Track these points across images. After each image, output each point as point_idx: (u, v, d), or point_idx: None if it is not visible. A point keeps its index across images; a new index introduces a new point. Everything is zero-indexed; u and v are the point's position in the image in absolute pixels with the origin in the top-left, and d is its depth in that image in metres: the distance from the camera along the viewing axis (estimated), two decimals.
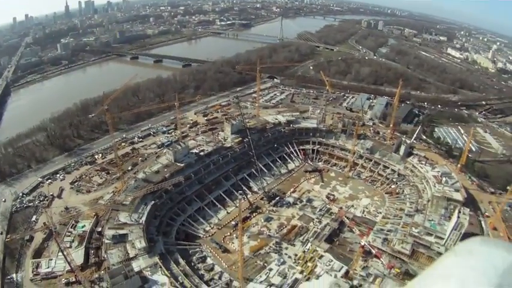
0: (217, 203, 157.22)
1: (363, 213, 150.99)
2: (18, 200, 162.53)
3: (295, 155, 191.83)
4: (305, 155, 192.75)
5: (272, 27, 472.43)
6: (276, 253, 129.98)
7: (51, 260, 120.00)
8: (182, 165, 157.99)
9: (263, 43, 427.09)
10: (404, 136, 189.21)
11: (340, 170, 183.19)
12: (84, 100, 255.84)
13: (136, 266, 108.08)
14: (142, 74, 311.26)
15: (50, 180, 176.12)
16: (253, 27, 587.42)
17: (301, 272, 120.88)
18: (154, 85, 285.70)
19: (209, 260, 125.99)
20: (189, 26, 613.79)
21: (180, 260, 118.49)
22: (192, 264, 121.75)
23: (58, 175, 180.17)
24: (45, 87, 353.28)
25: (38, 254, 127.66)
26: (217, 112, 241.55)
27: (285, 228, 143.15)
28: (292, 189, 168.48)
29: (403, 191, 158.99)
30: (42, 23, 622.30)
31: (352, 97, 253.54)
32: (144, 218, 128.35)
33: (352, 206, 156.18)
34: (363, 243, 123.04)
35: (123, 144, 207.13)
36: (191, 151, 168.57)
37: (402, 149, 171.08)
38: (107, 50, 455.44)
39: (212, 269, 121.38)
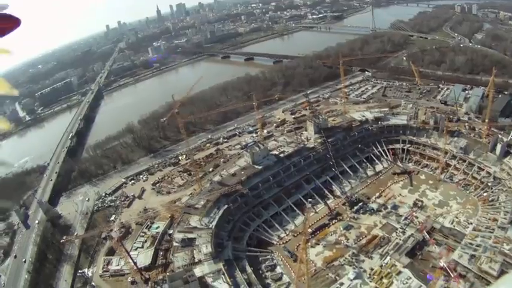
0: (295, 208, 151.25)
1: (452, 223, 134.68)
2: (101, 200, 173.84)
3: (384, 155, 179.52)
4: (394, 155, 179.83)
5: (364, 17, 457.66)
6: (350, 266, 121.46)
7: (122, 258, 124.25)
8: (260, 167, 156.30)
9: (355, 35, 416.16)
10: (502, 133, 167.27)
11: (431, 172, 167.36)
12: (170, 102, 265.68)
13: (199, 271, 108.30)
14: (233, 73, 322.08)
15: (133, 181, 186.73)
16: (346, 18, 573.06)
17: None
18: (243, 83, 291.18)
19: (278, 269, 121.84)
20: (280, 22, 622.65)
21: (248, 267, 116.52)
22: (260, 272, 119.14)
23: (141, 176, 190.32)
24: (137, 90, 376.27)
25: (111, 252, 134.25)
26: (306, 110, 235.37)
27: (364, 238, 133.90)
28: (377, 194, 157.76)
29: (498, 197, 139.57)
30: (135, 28, 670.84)
31: (447, 89, 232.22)
32: (214, 223, 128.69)
33: (441, 214, 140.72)
34: (441, 264, 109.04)
35: (208, 145, 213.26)
36: (271, 152, 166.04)
37: (498, 148, 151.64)
38: (198, 51, 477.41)
39: (280, 279, 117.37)
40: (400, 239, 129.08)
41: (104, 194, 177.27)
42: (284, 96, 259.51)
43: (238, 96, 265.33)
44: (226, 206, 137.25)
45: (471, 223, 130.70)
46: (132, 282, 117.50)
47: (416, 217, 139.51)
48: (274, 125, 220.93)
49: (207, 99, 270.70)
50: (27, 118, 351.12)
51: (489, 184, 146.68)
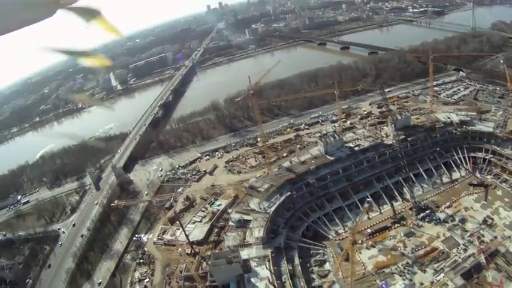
0: (360, 206, 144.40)
1: None
2: (173, 171, 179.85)
3: (463, 163, 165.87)
4: (474, 164, 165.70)
5: (465, 15, 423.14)
6: (401, 276, 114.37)
7: (178, 229, 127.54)
8: (332, 158, 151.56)
9: (454, 32, 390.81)
10: None
11: (509, 189, 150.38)
12: (258, 83, 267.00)
13: (246, 254, 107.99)
14: (327, 60, 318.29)
15: (207, 157, 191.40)
16: (447, 15, 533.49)
17: None
18: (334, 71, 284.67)
19: (327, 266, 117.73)
20: (380, 13, 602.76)
21: (296, 258, 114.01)
22: (308, 265, 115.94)
23: (217, 153, 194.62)
24: (230, 69, 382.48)
25: (171, 221, 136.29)
26: (393, 104, 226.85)
27: (423, 248, 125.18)
28: (448, 204, 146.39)
29: None
30: (235, 10, 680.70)
31: None
32: (273, 208, 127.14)
33: (510, 237, 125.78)
34: None
35: (288, 130, 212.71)
36: (346, 144, 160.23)
37: None
38: (295, 36, 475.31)
39: (326, 276, 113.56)
40: (459, 257, 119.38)
41: (177, 166, 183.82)
42: (372, 89, 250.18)
43: (327, 84, 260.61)
44: (289, 193, 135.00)
45: None
46: (181, 254, 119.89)
47: (483, 235, 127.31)
48: (359, 116, 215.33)
49: (295, 84, 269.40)
50: (119, 88, 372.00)
51: None
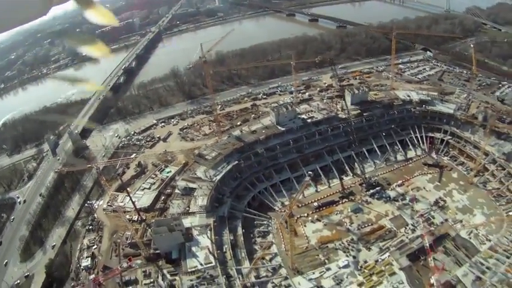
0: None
1: (469, 234, 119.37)
2: (128, 137, 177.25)
3: (420, 142, 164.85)
4: (431, 144, 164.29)
5: None
6: (344, 252, 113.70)
7: (127, 196, 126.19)
8: (283, 129, 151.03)
9: (427, 12, 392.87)
10: None
11: (465, 172, 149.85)
12: (221, 51, 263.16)
13: (188, 222, 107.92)
14: (295, 31, 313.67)
15: (163, 124, 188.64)
16: None
17: (360, 285, 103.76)
18: (299, 43, 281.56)
19: (270, 237, 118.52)
20: None
21: (239, 228, 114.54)
22: (252, 236, 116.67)
23: (173, 120, 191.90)
24: (197, 37, 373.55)
25: (121, 188, 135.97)
26: (355, 79, 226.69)
27: (369, 226, 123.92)
28: (400, 182, 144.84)
29: None
30: None
31: (508, 87, 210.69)
32: (219, 177, 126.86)
33: (461, 221, 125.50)
34: (432, 281, 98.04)
35: (245, 99, 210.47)
36: (299, 116, 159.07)
37: None
38: (264, 5, 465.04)
39: (269, 247, 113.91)
40: (407, 237, 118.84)
41: (133, 132, 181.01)
42: (336, 62, 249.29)
43: (290, 55, 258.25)
44: (236, 162, 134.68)
45: (490, 240, 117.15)
46: (129, 220, 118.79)
47: (433, 217, 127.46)
48: (318, 89, 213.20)
49: (258, 54, 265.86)
50: (84, 53, 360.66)
51: None
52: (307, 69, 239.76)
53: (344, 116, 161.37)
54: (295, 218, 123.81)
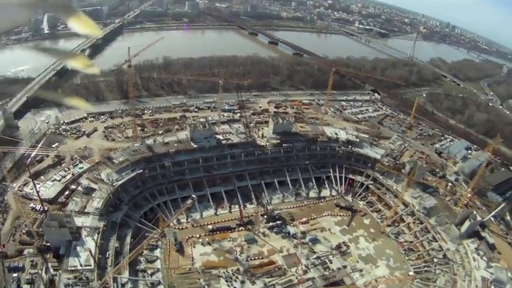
0: (211, 200, 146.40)
1: (367, 286, 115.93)
2: (57, 126, 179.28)
3: (338, 182, 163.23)
4: (350, 186, 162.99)
5: (409, 44, 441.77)
6: (227, 282, 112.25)
7: (38, 184, 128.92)
8: (195, 146, 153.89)
9: (390, 56, 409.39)
10: (481, 209, 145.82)
11: (379, 220, 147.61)
12: (168, 57, 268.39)
13: (80, 221, 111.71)
14: (252, 50, 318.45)
15: (92, 119, 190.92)
16: (390, 39, 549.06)
17: None
18: (247, 61, 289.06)
19: (157, 252, 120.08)
20: (325, 20, 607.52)
21: (129, 237, 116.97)
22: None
23: (102, 116, 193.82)
24: (157, 37, 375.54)
25: (36, 175, 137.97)
26: (292, 108, 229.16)
27: (259, 259, 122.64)
28: (305, 219, 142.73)
29: (436, 280, 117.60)
30: None
31: (451, 141, 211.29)
32: (120, 182, 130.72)
33: (361, 271, 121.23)
34: None
35: (177, 108, 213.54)
36: (216, 136, 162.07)
37: (466, 224, 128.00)
38: (230, 20, 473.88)
39: (152, 262, 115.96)
40: (296, 278, 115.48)
41: (62, 122, 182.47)
42: (279, 88, 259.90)
43: (234, 72, 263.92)
44: (141, 170, 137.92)
45: None
46: (32, 209, 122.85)
47: (331, 261, 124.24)
48: (251, 111, 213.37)
49: (205, 65, 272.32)
50: (46, 31, 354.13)
51: (435, 260, 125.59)
52: (248, 90, 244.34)
53: (262, 144, 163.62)
54: (186, 237, 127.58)
